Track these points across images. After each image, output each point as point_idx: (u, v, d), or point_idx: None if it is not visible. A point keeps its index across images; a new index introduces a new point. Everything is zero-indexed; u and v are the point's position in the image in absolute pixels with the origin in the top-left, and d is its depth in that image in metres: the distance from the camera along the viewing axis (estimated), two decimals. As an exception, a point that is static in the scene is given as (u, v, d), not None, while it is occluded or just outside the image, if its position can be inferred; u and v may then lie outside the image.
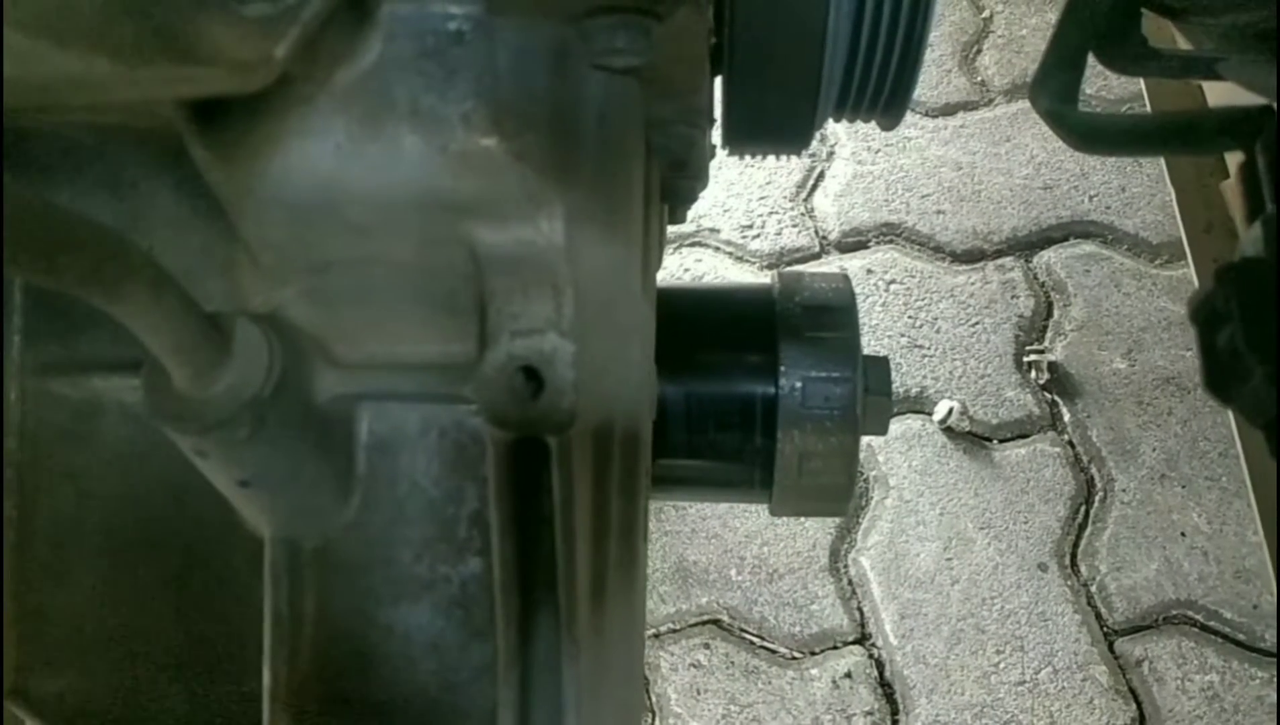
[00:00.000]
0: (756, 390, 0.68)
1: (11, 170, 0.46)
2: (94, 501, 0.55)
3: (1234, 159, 0.73)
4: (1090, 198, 2.18)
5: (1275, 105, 0.65)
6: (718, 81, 0.57)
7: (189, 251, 0.48)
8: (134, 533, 0.56)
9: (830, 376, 0.68)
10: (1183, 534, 1.81)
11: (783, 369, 0.67)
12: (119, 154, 0.48)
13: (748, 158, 0.65)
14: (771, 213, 2.22)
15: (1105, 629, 1.74)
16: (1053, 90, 0.64)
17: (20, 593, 0.55)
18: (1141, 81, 1.94)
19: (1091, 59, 0.69)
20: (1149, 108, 1.93)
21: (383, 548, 0.51)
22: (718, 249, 2.18)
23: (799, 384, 0.67)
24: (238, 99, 0.39)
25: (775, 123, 0.59)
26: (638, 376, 0.55)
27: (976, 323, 2.04)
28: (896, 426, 1.90)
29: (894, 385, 0.74)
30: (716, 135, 0.62)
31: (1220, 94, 1.40)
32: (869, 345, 0.59)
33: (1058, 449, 1.90)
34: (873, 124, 0.63)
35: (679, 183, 0.64)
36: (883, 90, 0.58)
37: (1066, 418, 1.93)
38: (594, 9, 0.43)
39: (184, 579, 0.56)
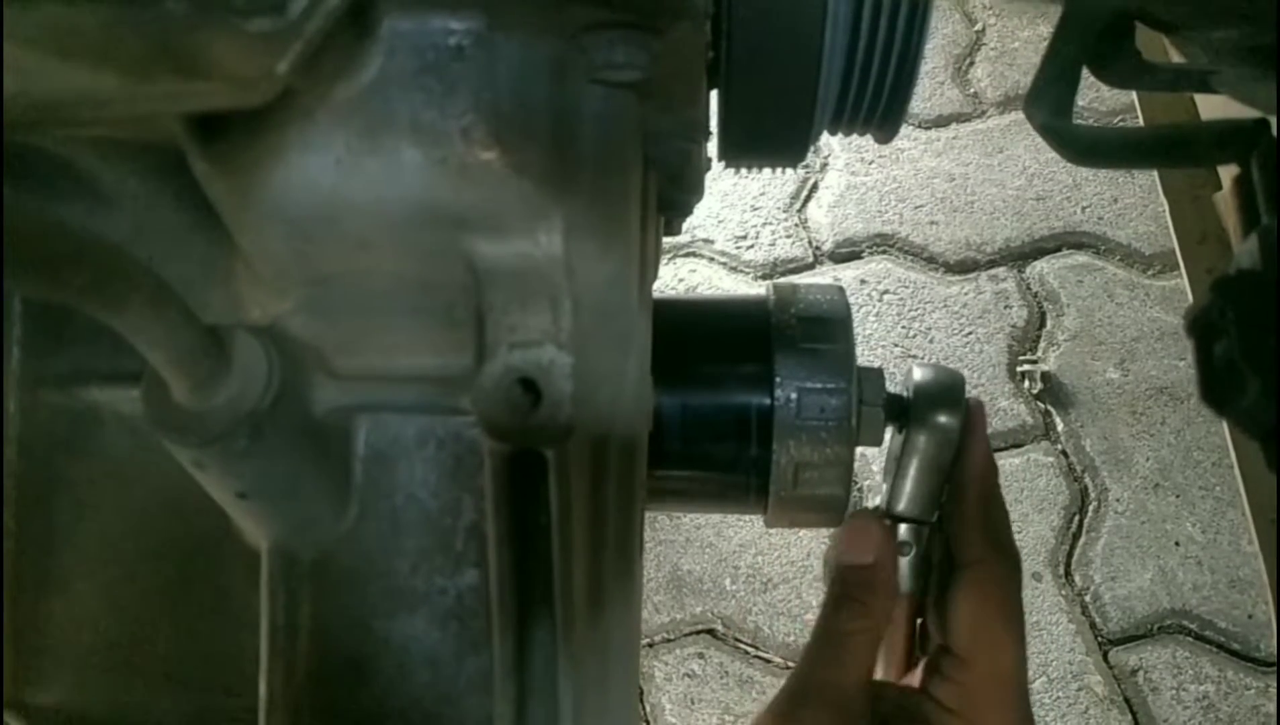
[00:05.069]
0: (752, 401, 0.68)
1: (11, 184, 0.46)
2: (92, 512, 0.55)
3: (1227, 171, 0.74)
4: (1083, 208, 2.19)
5: (1269, 118, 0.65)
6: (714, 95, 0.57)
7: (189, 264, 0.48)
8: (131, 544, 0.56)
9: (825, 387, 0.68)
10: (1177, 543, 1.82)
11: (778, 380, 0.67)
12: (119, 167, 0.48)
13: (743, 170, 0.66)
14: (765, 223, 2.22)
15: (1100, 638, 1.74)
16: (1048, 104, 0.64)
17: (18, 603, 0.55)
18: (1134, 94, 1.95)
19: (1085, 72, 0.70)
20: (1141, 120, 1.94)
21: (379, 559, 0.51)
22: (712, 259, 2.18)
23: (794, 395, 0.67)
24: (239, 113, 0.39)
25: (771, 136, 0.59)
26: (634, 388, 0.55)
27: (970, 333, 2.05)
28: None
29: (889, 396, 0.74)
30: (712, 148, 0.62)
31: (1213, 106, 1.40)
32: (862, 356, 0.59)
33: (1051, 459, 1.91)
34: (867, 136, 0.64)
35: (675, 196, 0.64)
36: (879, 104, 0.58)
37: (1060, 427, 1.94)
38: (593, 23, 0.44)
39: (181, 590, 0.56)
